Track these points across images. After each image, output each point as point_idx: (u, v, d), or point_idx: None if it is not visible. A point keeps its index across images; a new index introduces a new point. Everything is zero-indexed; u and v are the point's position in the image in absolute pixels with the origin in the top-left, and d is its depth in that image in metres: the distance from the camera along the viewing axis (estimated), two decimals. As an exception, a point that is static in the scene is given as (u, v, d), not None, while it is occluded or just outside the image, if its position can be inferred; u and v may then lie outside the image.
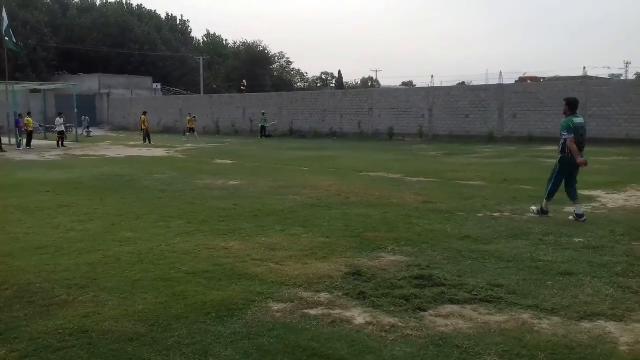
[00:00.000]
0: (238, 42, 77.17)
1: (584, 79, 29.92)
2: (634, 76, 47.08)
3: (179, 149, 25.42)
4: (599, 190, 10.63)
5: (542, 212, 8.32)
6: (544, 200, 8.35)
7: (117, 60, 58.71)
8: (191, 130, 32.98)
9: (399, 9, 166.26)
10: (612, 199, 9.73)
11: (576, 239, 6.79)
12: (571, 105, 8.26)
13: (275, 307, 4.66)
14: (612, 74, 50.25)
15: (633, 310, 4.47)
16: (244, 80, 57.77)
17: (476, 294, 4.87)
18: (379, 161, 17.66)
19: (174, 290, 5.10)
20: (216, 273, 5.61)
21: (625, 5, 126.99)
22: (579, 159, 7.92)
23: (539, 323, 4.25)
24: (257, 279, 5.40)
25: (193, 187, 12.13)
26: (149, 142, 29.14)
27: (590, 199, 9.76)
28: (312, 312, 4.55)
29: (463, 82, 41.13)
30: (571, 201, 8.21)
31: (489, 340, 3.93)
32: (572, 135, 7.93)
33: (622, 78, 41.56)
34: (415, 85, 50.50)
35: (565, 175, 8.25)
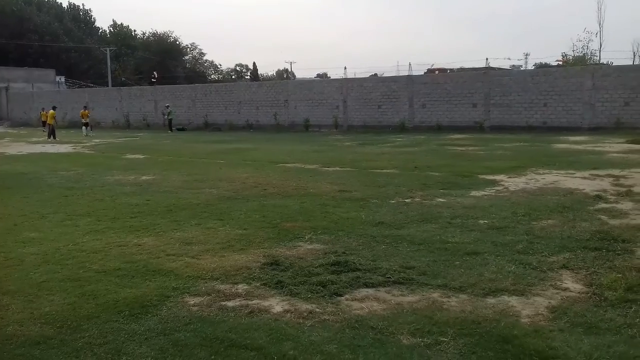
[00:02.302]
0: (148, 33, 74.55)
1: (487, 70, 31.55)
2: (533, 67, 50.11)
3: (86, 144, 24.27)
4: (502, 175, 11.28)
5: None
6: None
7: (15, 52, 54.95)
8: (86, 125, 31.25)
9: (311, 1, 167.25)
10: (514, 183, 10.35)
11: (481, 221, 7.18)
12: None
13: (192, 302, 4.60)
14: (513, 65, 53.29)
15: (533, 285, 4.79)
16: (154, 73, 55.90)
17: (390, 277, 5.04)
18: (295, 152, 17.75)
19: (84, 290, 4.90)
20: (129, 270, 5.44)
21: (525, 1, 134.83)
22: None
23: (448, 301, 4.47)
24: (172, 275, 5.29)
25: (103, 183, 11.64)
26: (54, 138, 27.61)
27: (494, 183, 10.34)
28: (230, 304, 4.53)
29: (376, 74, 42.10)
30: None
31: (402, 320, 4.09)
32: None
33: (522, 69, 44.12)
34: (329, 77, 51.11)
35: None
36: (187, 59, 77.03)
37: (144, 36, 74.81)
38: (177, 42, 73.11)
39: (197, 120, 36.77)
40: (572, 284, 4.78)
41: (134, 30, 76.05)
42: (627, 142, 18.09)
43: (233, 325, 4.07)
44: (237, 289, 4.88)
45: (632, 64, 34.00)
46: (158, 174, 13.02)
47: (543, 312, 4.19)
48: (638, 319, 3.97)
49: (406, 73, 31.99)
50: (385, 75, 36.30)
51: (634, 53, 43.65)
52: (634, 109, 23.91)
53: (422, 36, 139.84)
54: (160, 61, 65.68)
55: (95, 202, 9.35)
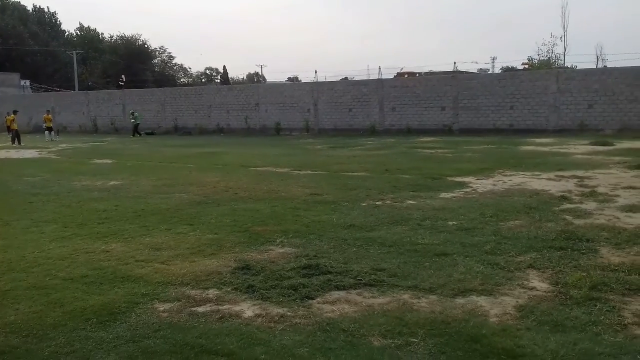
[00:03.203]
0: (115, 36, 73.44)
1: (456, 74, 32.04)
2: (500, 70, 51.06)
3: (52, 149, 23.77)
4: (471, 177, 11.46)
5: None
6: None
7: (-22, 56, 53.55)
8: (49, 129, 30.59)
9: (282, 5, 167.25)
10: (482, 184, 10.52)
11: (450, 223, 7.27)
12: None
13: (162, 308, 4.54)
14: (481, 69, 54.22)
15: (501, 285, 4.88)
16: (122, 76, 55.09)
17: (361, 279, 5.06)
18: (266, 156, 17.70)
19: (50, 299, 4.79)
20: (97, 277, 5.34)
21: (491, 5, 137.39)
22: None
23: (418, 302, 4.51)
24: (141, 281, 5.22)
25: (70, 189, 11.41)
26: (19, 143, 26.97)
27: (462, 185, 10.50)
28: (201, 309, 4.49)
29: (346, 78, 42.30)
30: None
31: (373, 321, 4.11)
32: None
33: (489, 72, 44.94)
34: (300, 80, 51.11)
35: None
36: (156, 63, 76.16)
37: (111, 39, 73.70)
38: (146, 46, 72.24)
39: (167, 124, 36.37)
40: (538, 283, 4.88)
41: (102, 34, 74.96)
42: (591, 143, 18.58)
43: (203, 331, 4.04)
44: (207, 294, 4.84)
45: (595, 67, 34.90)
46: (126, 178, 12.83)
47: (511, 311, 4.26)
48: (602, 317, 4.07)
49: (376, 77, 32.22)
50: (356, 78, 36.58)
51: (597, 57, 44.94)
52: (597, 112, 24.57)
53: (392, 40, 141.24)
54: (129, 65, 64.79)
55: (61, 208, 9.16)
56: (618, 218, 7.29)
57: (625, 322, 3.98)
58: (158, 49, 75.70)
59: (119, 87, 51.90)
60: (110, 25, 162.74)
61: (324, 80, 34.79)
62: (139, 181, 12.30)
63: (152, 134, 33.70)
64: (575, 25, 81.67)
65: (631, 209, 7.81)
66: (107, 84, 60.67)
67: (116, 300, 4.70)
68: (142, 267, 5.67)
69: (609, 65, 36.25)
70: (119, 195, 10.45)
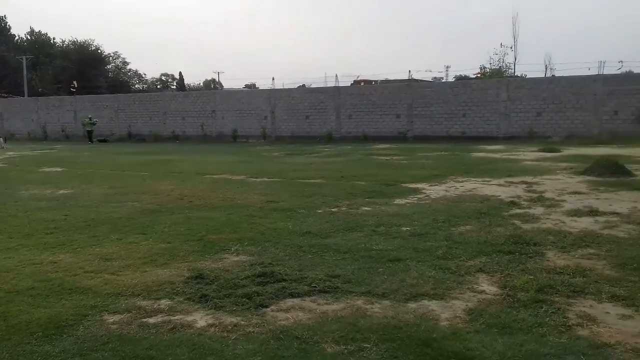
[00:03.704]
0: (67, 41, 71.44)
1: (410, 82, 32.60)
2: (454, 79, 52.22)
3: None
4: (424, 183, 11.67)
5: None
6: None
7: None
8: None
9: (238, 11, 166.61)
10: (435, 191, 10.72)
11: (404, 228, 7.38)
12: None
13: (111, 320, 4.43)
14: (435, 77, 55.27)
15: (452, 289, 4.98)
16: (74, 82, 53.58)
17: (315, 286, 5.07)
18: (223, 163, 17.55)
19: (-7, 313, 4.61)
20: (43, 289, 5.17)
21: (444, 15, 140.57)
22: None
23: (372, 308, 4.56)
24: (90, 292, 5.08)
25: (16, 198, 11.01)
26: (-38, 151, 25.89)
27: (416, 191, 10.68)
28: (152, 320, 4.41)
29: (303, 85, 42.41)
30: None
31: (327, 328, 4.13)
32: None
33: (443, 81, 45.90)
34: (258, 87, 50.90)
35: None
36: (109, 68, 74.44)
37: (63, 44, 71.65)
38: (99, 51, 70.51)
39: (120, 131, 35.63)
40: (487, 287, 5.01)
41: (53, 38, 72.74)
42: (539, 150, 19.22)
43: (154, 343, 3.96)
44: (159, 305, 4.75)
45: (543, 76, 36.10)
46: (77, 187, 12.49)
47: (461, 315, 4.36)
48: (548, 318, 4.20)
49: (333, 84, 32.42)
50: (313, 86, 36.70)
51: (546, 66, 46.41)
52: (545, 119, 25.45)
53: (349, 48, 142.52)
54: (81, 70, 63.09)
55: (7, 218, 8.83)
56: (564, 222, 7.56)
57: (570, 323, 4.12)
58: (112, 55, 74.03)
59: (71, 93, 50.48)
60: (62, 29, 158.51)
61: (282, 87, 34.82)
62: (89, 190, 11.99)
63: (104, 141, 32.94)
64: (526, 35, 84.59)
65: (576, 213, 8.11)
66: (58, 90, 58.84)
67: (63, 313, 4.56)
68: (91, 278, 5.51)
69: (557, 74, 37.53)
70: (69, 204, 10.15)
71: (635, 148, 19.21)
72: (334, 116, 29.90)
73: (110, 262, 6.11)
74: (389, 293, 4.86)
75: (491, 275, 5.32)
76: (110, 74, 73.22)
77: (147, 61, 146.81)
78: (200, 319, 4.42)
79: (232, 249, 6.55)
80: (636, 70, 32.07)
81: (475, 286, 5.02)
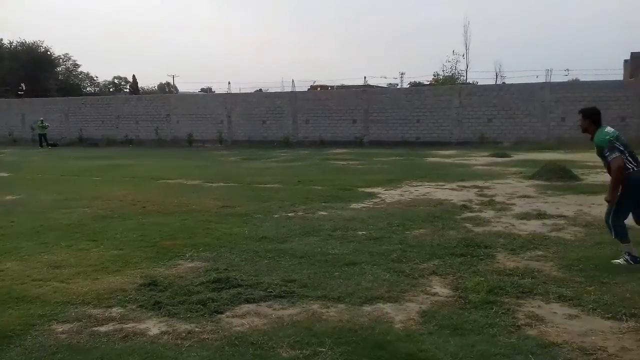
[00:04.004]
0: (15, 42, 68.90)
1: (366, 88, 32.91)
2: (408, 85, 53.11)
3: (-60, 162, 21.89)
4: (380, 188, 11.81)
5: (633, 260, 5.71)
6: (621, 244, 5.86)
7: None
8: None
9: (194, 15, 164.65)
10: (390, 195, 10.87)
11: (360, 232, 7.45)
12: (595, 118, 6.03)
13: (60, 329, 4.31)
14: (390, 84, 55.98)
15: (406, 292, 5.06)
16: (22, 84, 51.75)
17: (271, 291, 5.06)
18: (178, 168, 17.29)
19: None
20: (-12, 299, 4.98)
21: (399, 22, 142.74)
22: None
23: (327, 312, 4.59)
24: (38, 301, 4.92)
25: (-41, 205, 10.55)
26: None
27: (372, 195, 10.80)
28: (103, 329, 4.30)
29: (260, 90, 42.22)
30: (620, 240, 5.86)
31: (282, 333, 4.13)
32: (618, 153, 5.72)
33: (398, 87, 46.57)
34: (214, 91, 50.38)
35: (630, 201, 5.85)
36: (59, 71, 72.20)
37: (11, 45, 69.05)
38: (49, 53, 68.29)
39: (71, 135, 34.62)
40: (440, 289, 5.12)
41: (1, 39, 70.02)
42: (490, 155, 19.74)
43: (105, 352, 3.87)
44: (110, 313, 4.65)
45: (494, 83, 37.12)
46: (25, 193, 12.07)
47: (414, 317, 4.43)
48: (498, 319, 4.32)
49: (290, 89, 32.43)
50: (270, 90, 36.54)
51: (496, 73, 47.85)
52: (495, 125, 26.15)
53: (306, 54, 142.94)
54: (30, 72, 60.92)
55: (-52, 226, 8.46)
56: (513, 225, 7.79)
57: (519, 323, 4.25)
58: (62, 57, 71.81)
59: (19, 96, 48.72)
60: (10, 30, 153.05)
61: (238, 92, 34.49)
62: (38, 195, 11.61)
63: (55, 145, 31.91)
64: (477, 43, 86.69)
65: (525, 216, 8.37)
66: (6, 93, 56.63)
67: (10, 323, 4.40)
68: (39, 287, 5.34)
69: (507, 81, 38.69)
70: (16, 210, 9.81)
71: (581, 153, 19.97)
72: (290, 121, 29.91)
73: (60, 269, 5.94)
74: (344, 297, 4.90)
75: (444, 278, 5.44)
76: (60, 77, 70.98)
77: (100, 64, 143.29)
78: (154, 326, 4.35)
79: (187, 255, 6.47)
80: (582, 78, 33.36)
81: (429, 288, 5.12)
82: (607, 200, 5.87)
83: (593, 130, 5.98)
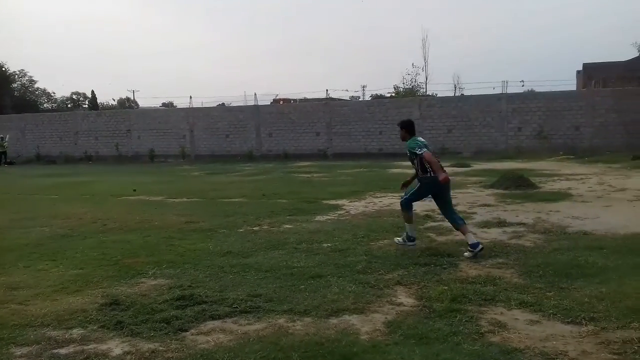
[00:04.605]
0: (-33, 58, 66.84)
1: (328, 101, 33.13)
2: (370, 98, 53.68)
3: None
4: (344, 199, 11.88)
5: (409, 239, 7.16)
6: (407, 224, 7.21)
7: None
8: None
9: (153, 28, 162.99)
10: (355, 207, 10.95)
11: (325, 245, 7.47)
12: (410, 128, 7.33)
13: (19, 352, 4.17)
14: (352, 96, 56.42)
15: (372, 303, 5.09)
16: (-25, 101, 50.21)
17: (237, 307, 5.02)
18: (140, 184, 16.99)
19: None
20: (-60, 325, 4.78)
21: (359, 37, 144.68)
22: (442, 175, 6.68)
23: (294, 325, 4.57)
24: (-5, 324, 4.76)
25: None
26: None
27: (337, 207, 10.85)
28: (63, 351, 4.18)
29: (223, 104, 41.98)
30: (458, 229, 7.02)
31: (248, 349, 4.09)
32: (426, 149, 6.92)
33: (360, 99, 47.02)
34: (175, 106, 49.78)
35: (424, 197, 7.31)
36: (15, 87, 70.31)
37: (-37, 62, 66.94)
38: (3, 69, 66.51)
39: (28, 153, 33.72)
40: (405, 299, 5.17)
41: (-49, 56, 67.85)
42: (451, 165, 20.02)
43: (66, 374, 3.77)
44: (71, 334, 4.52)
45: (453, 95, 37.95)
46: (-22, 213, 11.66)
47: (380, 328, 4.46)
48: (462, 327, 4.38)
49: (253, 103, 32.38)
50: (233, 104, 36.41)
51: (455, 85, 48.77)
52: (455, 136, 26.70)
53: (267, 68, 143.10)
54: (-17, 89, 59.18)
55: None
56: (475, 234, 7.89)
57: (482, 330, 4.32)
58: (17, 73, 70.03)
59: (-29, 112, 47.17)
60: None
61: (200, 106, 34.24)
62: (-7, 215, 11.23)
63: (11, 163, 31.00)
64: (435, 56, 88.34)
65: (486, 224, 8.55)
66: (-42, 110, 54.80)
67: (-36, 349, 4.24)
68: (-5, 310, 5.17)
69: (466, 93, 39.56)
70: (-31, 231, 9.47)
71: (537, 162, 20.57)
72: (254, 134, 29.85)
73: (17, 291, 5.75)
74: (310, 310, 4.90)
75: (408, 288, 5.50)
76: (16, 93, 69.16)
77: (57, 80, 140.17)
78: (116, 347, 4.25)
79: (150, 272, 6.36)
80: (537, 89, 34.36)
81: (394, 299, 5.17)
82: (444, 181, 6.72)
83: (408, 138, 7.23)
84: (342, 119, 28.39)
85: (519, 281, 5.59)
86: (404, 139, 7.32)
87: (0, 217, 11.01)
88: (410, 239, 7.17)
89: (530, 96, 28.10)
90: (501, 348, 3.98)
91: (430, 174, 6.89)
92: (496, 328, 4.36)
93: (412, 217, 7.32)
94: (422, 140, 7.20)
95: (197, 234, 8.60)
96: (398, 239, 7.32)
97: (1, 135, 31.79)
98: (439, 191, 7.03)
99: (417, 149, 6.95)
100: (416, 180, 7.28)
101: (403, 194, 7.41)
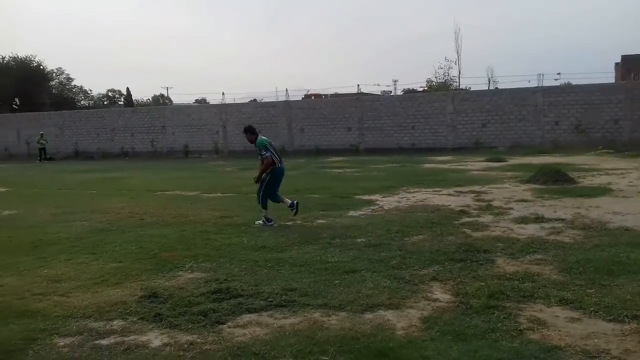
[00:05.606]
0: (7, 57, 68.83)
1: (360, 96, 33.00)
2: (402, 92, 53.26)
3: None
4: (377, 195, 11.82)
5: (268, 221, 8.89)
6: (264, 210, 8.99)
7: None
8: None
9: (186, 26, 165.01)
10: (388, 202, 10.89)
11: (359, 240, 7.46)
12: (253, 131, 9.25)
13: (62, 343, 4.29)
14: (384, 91, 56.17)
15: (407, 298, 5.06)
16: (16, 99, 51.71)
17: (272, 301, 5.06)
18: (175, 180, 17.28)
19: None
20: (-11, 315, 4.96)
21: (391, 31, 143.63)
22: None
23: (329, 320, 4.58)
24: (39, 315, 4.90)
25: (-45, 221, 10.52)
26: None
27: (369, 202, 10.81)
28: (104, 342, 4.29)
29: (255, 99, 42.29)
30: (264, 209, 9.00)
31: (284, 342, 4.12)
32: (269, 153, 8.94)
33: (391, 94, 46.75)
34: (208, 102, 50.36)
35: (275, 185, 9.23)
36: (53, 85, 72.14)
37: (3, 60, 69.00)
38: (42, 67, 68.22)
39: (66, 149, 34.58)
40: (441, 295, 5.12)
41: (-8, 54, 69.89)
42: (486, 160, 19.81)
43: (108, 365, 3.86)
44: (111, 326, 4.63)
45: (487, 89, 37.32)
46: (22, 207, 12.04)
47: (416, 324, 4.43)
48: (500, 324, 4.32)
49: (284, 98, 32.47)
50: (265, 100, 36.64)
51: (489, 79, 47.92)
52: (490, 130, 26.26)
53: (299, 63, 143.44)
54: (23, 87, 60.83)
55: (-55, 242, 8.42)
56: (512, 229, 7.81)
57: (521, 327, 4.25)
58: (55, 71, 71.77)
59: (13, 110, 48.67)
60: (2, 46, 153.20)
61: (233, 102, 34.57)
62: (35, 210, 11.57)
63: (51, 159, 31.88)
64: (468, 49, 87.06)
65: (523, 220, 8.39)
66: (0, 108, 56.52)
67: (11, 338, 4.39)
68: (39, 301, 5.33)
69: (500, 87, 38.88)
70: (14, 225, 9.78)
71: (575, 156, 20.08)
72: (286, 130, 29.96)
73: (60, 283, 5.92)
74: (345, 305, 4.90)
75: (444, 283, 5.44)
76: (54, 91, 70.94)
77: (93, 77, 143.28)
78: (155, 338, 4.34)
79: (186, 266, 6.46)
80: (574, 82, 33.53)
81: (430, 294, 5.12)
82: (256, 181, 9.19)
83: (254, 139, 9.10)
84: (373, 114, 28.24)
85: (559, 278, 5.47)
86: (252, 141, 9.17)
87: (42, 211, 11.33)
88: (269, 220, 8.90)
89: (567, 89, 27.40)
90: (541, 345, 3.91)
91: (278, 165, 9.09)
92: (535, 325, 4.29)
93: (266, 204, 9.03)
94: (266, 139, 9.20)
95: (232, 228, 8.69)
96: (257, 222, 8.92)
97: (41, 132, 32.72)
98: (278, 179, 9.33)
99: (263, 151, 8.92)
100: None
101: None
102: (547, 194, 11.01)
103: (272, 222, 8.88)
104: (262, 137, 9.14)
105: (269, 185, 9.07)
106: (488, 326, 4.28)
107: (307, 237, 7.74)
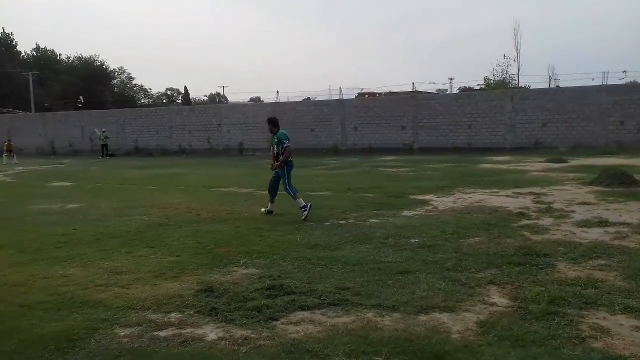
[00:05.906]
0: (73, 57, 72.05)
1: (415, 94, 32.63)
2: (458, 91, 52.26)
3: (8, 172, 23.07)
4: (431, 195, 11.65)
5: (304, 207, 9.29)
6: (296, 199, 9.54)
7: None
8: (9, 152, 30.61)
9: (241, 25, 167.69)
10: (443, 202, 10.70)
11: (413, 240, 7.37)
12: (276, 123, 10.05)
13: (122, 333, 4.44)
14: (439, 89, 55.21)
15: (462, 301, 4.95)
16: (80, 97, 54.01)
17: (325, 299, 5.06)
18: (230, 177, 17.60)
19: (5, 326, 4.63)
20: (54, 303, 5.19)
21: (446, 28, 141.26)
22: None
23: (382, 320, 4.54)
24: (101, 306, 5.09)
25: (26, 212, 11.08)
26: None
27: (424, 202, 10.66)
28: (162, 333, 4.41)
29: (308, 98, 42.54)
30: (295, 199, 9.59)
31: (337, 341, 4.11)
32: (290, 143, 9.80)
33: (447, 92, 45.93)
34: (262, 100, 51.10)
35: (290, 176, 9.88)
36: (115, 83, 74.98)
37: (68, 60, 72.23)
38: (104, 66, 71.04)
39: (127, 146, 35.83)
40: (498, 299, 4.98)
41: (59, 54, 73.32)
42: (546, 161, 19.17)
43: (166, 356, 3.97)
44: (169, 318, 4.75)
45: (547, 87, 36.13)
46: (85, 201, 12.55)
47: (472, 327, 4.33)
48: (560, 331, 4.17)
49: (337, 97, 32.54)
50: (318, 99, 36.81)
51: (550, 77, 46.34)
52: (551, 130, 25.40)
53: (352, 61, 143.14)
54: (87, 86, 63.53)
55: (17, 233, 8.88)
56: (574, 233, 7.52)
57: (583, 335, 4.08)
58: (117, 70, 74.57)
59: (77, 108, 50.87)
60: (68, 46, 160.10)
61: (286, 101, 34.93)
62: (98, 204, 12.05)
63: (112, 155, 33.14)
64: (528, 46, 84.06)
65: (586, 224, 8.06)
66: (65, 106, 59.21)
67: (75, 327, 4.57)
68: (101, 292, 5.54)
69: (561, 85, 37.54)
70: (78, 218, 10.21)
71: (642, 158, 19.14)
72: (339, 128, 29.97)
73: (120, 275, 6.13)
74: (399, 305, 4.85)
75: (502, 287, 5.30)
76: (115, 89, 73.75)
77: (152, 76, 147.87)
78: (211, 332, 4.42)
79: (241, 261, 6.55)
80: (640, 81, 31.96)
81: (486, 298, 5.00)
82: (274, 169, 9.85)
83: (276, 131, 9.96)
84: (429, 113, 27.85)
85: (623, 285, 5.23)
86: (272, 131, 10.00)
87: (104, 205, 11.78)
88: (306, 206, 9.31)
89: (633, 88, 26.14)
90: (604, 354, 3.75)
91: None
92: (598, 333, 4.11)
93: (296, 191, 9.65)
94: (286, 132, 10.06)
95: (285, 225, 8.76)
96: (304, 214, 9.23)
97: (103, 129, 34.04)
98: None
99: (286, 141, 9.73)
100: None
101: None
102: (611, 196, 10.54)
103: (308, 206, 9.29)
104: (283, 130, 10.06)
105: (288, 176, 9.78)
106: (548, 333, 4.14)
107: (359, 236, 7.71)
